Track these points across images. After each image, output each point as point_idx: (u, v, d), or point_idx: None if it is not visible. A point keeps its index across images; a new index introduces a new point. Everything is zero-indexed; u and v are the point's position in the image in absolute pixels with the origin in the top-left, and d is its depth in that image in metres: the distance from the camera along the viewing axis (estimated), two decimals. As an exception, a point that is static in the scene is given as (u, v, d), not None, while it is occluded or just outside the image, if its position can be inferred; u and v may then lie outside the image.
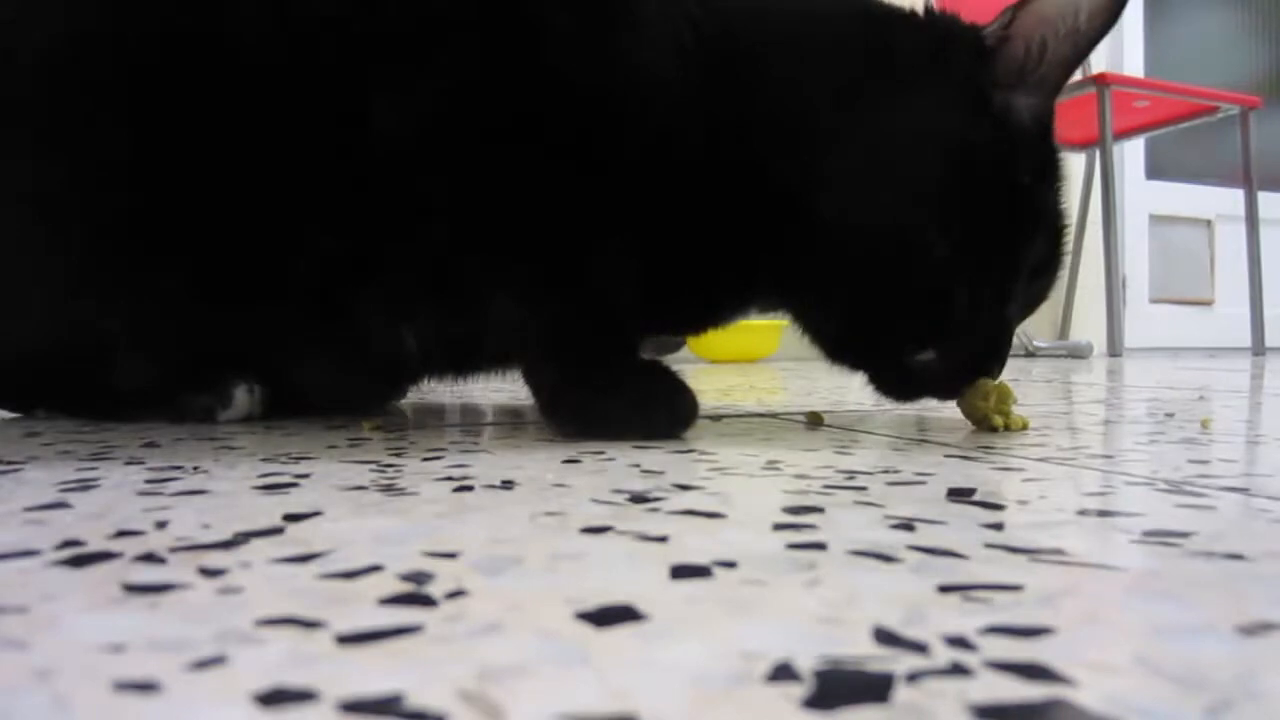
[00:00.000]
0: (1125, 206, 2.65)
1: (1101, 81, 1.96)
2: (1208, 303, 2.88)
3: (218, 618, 0.18)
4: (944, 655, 0.16)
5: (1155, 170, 2.79)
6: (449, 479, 0.36)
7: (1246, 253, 2.24)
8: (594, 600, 0.19)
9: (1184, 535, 0.25)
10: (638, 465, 0.39)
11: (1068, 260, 2.34)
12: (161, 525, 0.27)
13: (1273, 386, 0.97)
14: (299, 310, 0.54)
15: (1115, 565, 0.22)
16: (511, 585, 0.20)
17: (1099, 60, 2.50)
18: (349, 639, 0.17)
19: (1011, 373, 1.00)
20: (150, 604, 0.19)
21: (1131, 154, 2.73)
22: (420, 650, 0.16)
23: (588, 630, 0.17)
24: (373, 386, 0.65)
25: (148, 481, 0.35)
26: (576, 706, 0.14)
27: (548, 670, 0.15)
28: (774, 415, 0.65)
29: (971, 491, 0.33)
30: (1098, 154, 2.06)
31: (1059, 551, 0.23)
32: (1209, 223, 2.87)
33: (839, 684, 0.15)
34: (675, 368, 0.51)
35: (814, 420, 0.60)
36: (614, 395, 0.49)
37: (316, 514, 0.29)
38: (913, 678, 0.15)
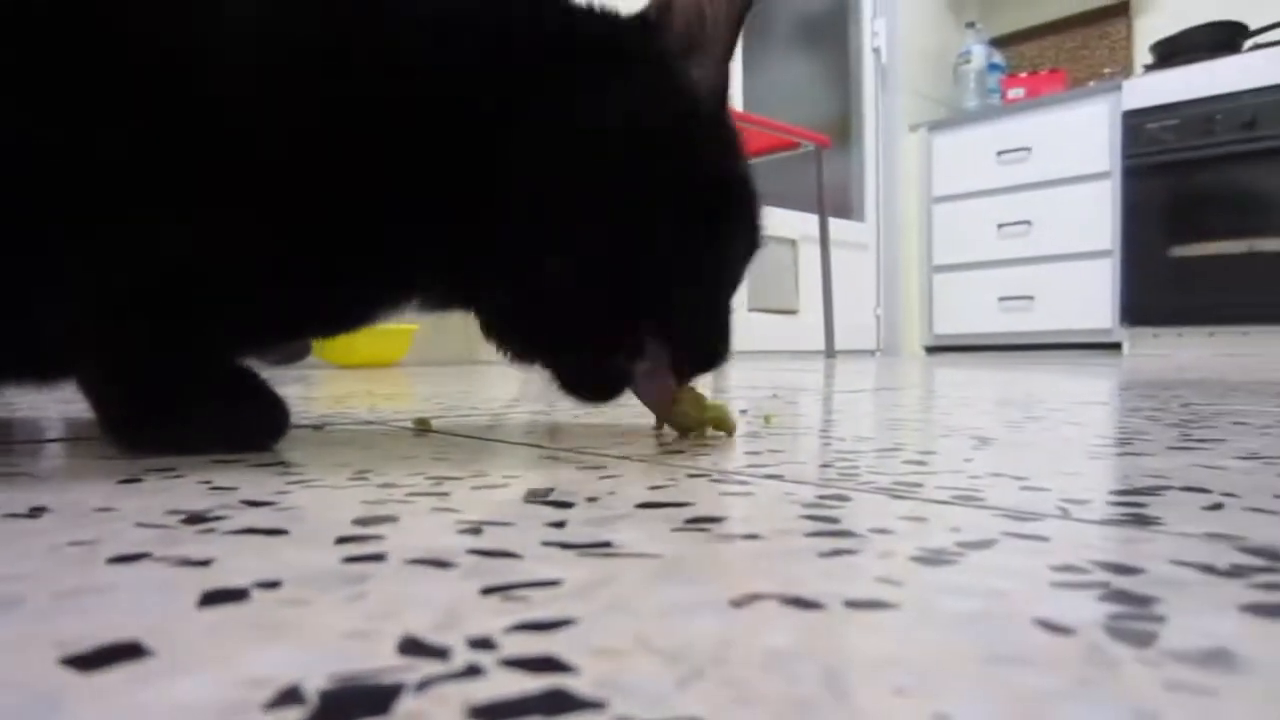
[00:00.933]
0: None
1: (704, 111, 2.16)
2: (793, 311, 3.28)
3: None
4: (464, 658, 0.16)
5: (751, 194, 3.12)
6: (-39, 511, 0.30)
7: (821, 269, 2.58)
8: (94, 640, 0.17)
9: (717, 520, 0.28)
10: (209, 482, 0.36)
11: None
12: None
13: (833, 386, 1.13)
14: None
15: (653, 553, 0.24)
16: (-6, 632, 0.18)
17: (704, 91, 2.75)
18: None
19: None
20: None
21: (732, 178, 3.03)
22: None
23: (71, 676, 0.15)
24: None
25: None
26: (20, 766, 0.12)
27: (1, 728, 0.13)
28: (383, 423, 0.63)
29: (549, 491, 0.34)
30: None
31: (608, 544, 0.25)
32: (794, 242, 3.27)
33: (343, 702, 0.14)
34: (298, 373, 0.48)
35: (422, 427, 0.59)
36: (190, 406, 0.45)
37: None
38: (423, 685, 0.15)
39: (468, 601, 0.20)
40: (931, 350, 3.67)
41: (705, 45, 0.48)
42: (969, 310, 3.53)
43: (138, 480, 0.37)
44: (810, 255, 3.12)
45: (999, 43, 3.88)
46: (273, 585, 0.21)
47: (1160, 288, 2.98)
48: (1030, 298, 3.34)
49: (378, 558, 0.24)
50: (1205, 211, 2.88)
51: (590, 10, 0.49)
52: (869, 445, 0.48)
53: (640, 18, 0.49)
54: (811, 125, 2.62)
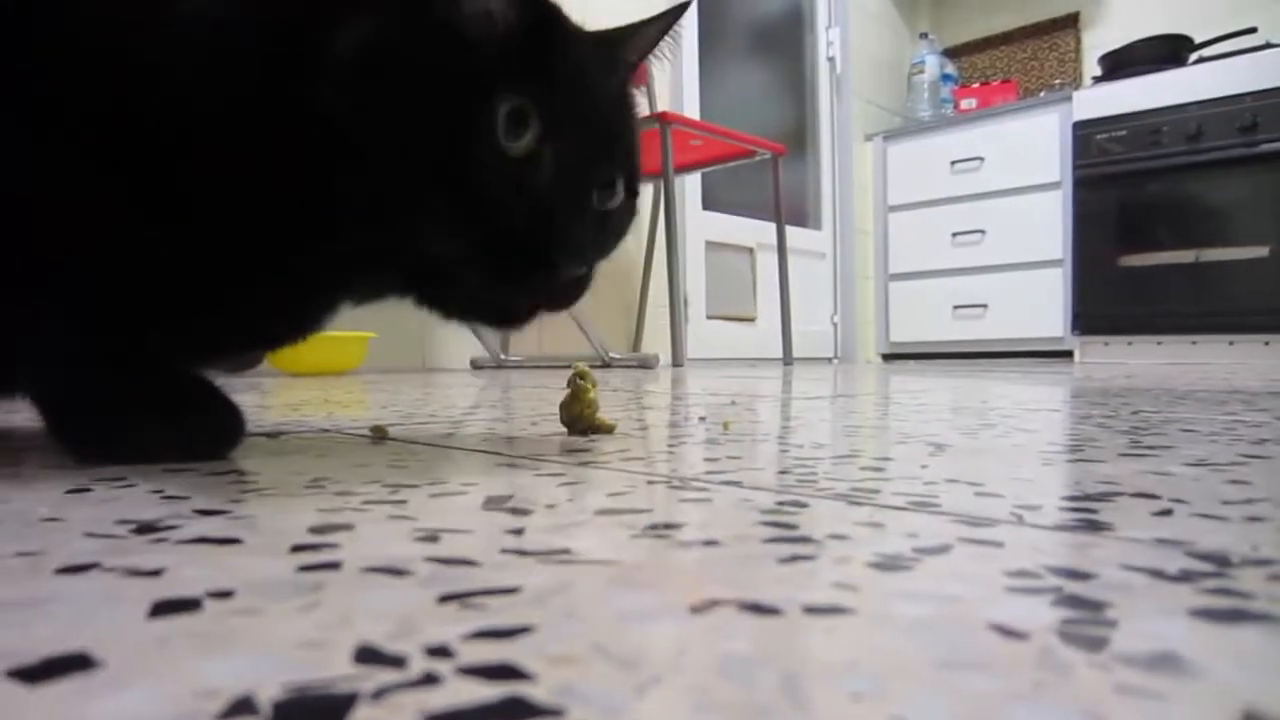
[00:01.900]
0: (686, 233, 2.96)
1: (664, 120, 2.17)
2: (751, 319, 3.30)
3: None
4: (420, 666, 0.16)
5: (709, 202, 3.14)
6: (-102, 521, 0.29)
7: (778, 277, 2.60)
8: (41, 652, 0.17)
9: (676, 527, 0.28)
10: (160, 491, 0.35)
11: (638, 274, 2.51)
12: None
13: (791, 393, 1.14)
14: None
15: (611, 560, 0.24)
16: (-67, 646, 0.17)
17: (662, 100, 2.77)
18: None
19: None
20: None
21: (691, 186, 3.05)
22: None
23: (18, 689, 0.15)
24: None
25: None
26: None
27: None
28: (339, 431, 0.62)
29: (508, 498, 0.34)
30: (662, 185, 2.28)
31: (566, 551, 0.25)
32: (751, 250, 3.29)
33: (297, 712, 0.14)
34: (252, 381, 0.47)
35: (379, 434, 0.59)
36: (143, 414, 0.44)
37: None
38: (379, 694, 0.15)
39: (424, 610, 0.19)
40: (888, 358, 3.72)
41: None
42: (924, 318, 3.57)
43: (87, 489, 0.36)
44: (768, 263, 3.14)
45: (951, 53, 3.95)
46: (225, 595, 0.21)
47: (1110, 297, 3.04)
48: (984, 306, 3.39)
49: (333, 566, 0.23)
50: (1154, 222, 2.95)
51: None
52: (826, 452, 0.48)
53: None
54: (767, 134, 2.64)
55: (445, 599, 0.20)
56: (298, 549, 0.25)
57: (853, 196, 3.68)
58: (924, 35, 3.83)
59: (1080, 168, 3.07)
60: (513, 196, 0.42)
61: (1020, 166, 3.29)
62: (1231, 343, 2.82)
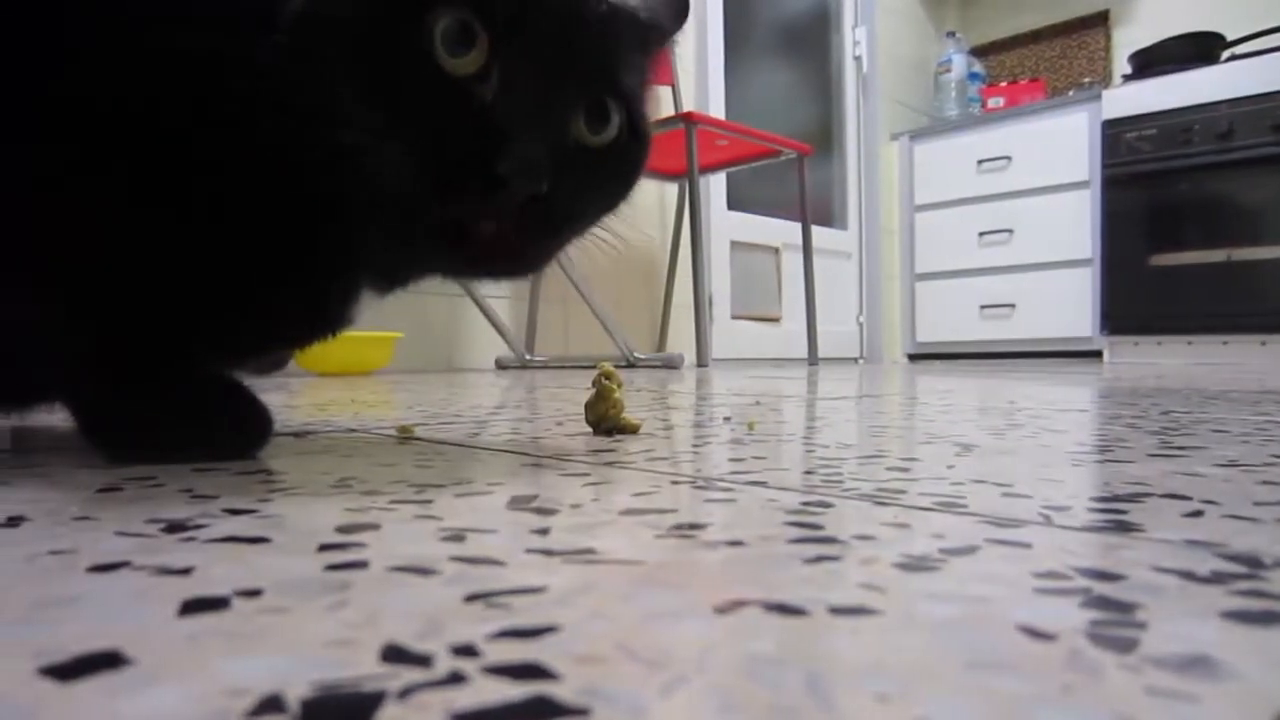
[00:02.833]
0: (711, 233, 2.95)
1: (689, 120, 2.17)
2: (776, 319, 3.29)
3: None
4: (446, 666, 0.16)
5: (734, 202, 3.14)
6: (-64, 520, 0.30)
7: (804, 277, 2.59)
8: (73, 650, 0.17)
9: (701, 527, 0.28)
10: (190, 490, 0.36)
11: (663, 274, 2.51)
12: None
13: (816, 393, 1.13)
14: None
15: (636, 560, 0.24)
16: (-31, 642, 0.17)
17: (688, 100, 2.77)
18: None
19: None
20: None
21: (716, 186, 3.05)
22: None
23: (49, 686, 0.15)
24: None
25: None
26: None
27: (-24, 739, 0.13)
28: (365, 431, 0.63)
29: (534, 498, 0.34)
30: (687, 185, 2.28)
31: (591, 551, 0.25)
32: (777, 250, 3.28)
33: (325, 710, 0.14)
34: (279, 381, 0.47)
35: (405, 434, 0.59)
36: (170, 413, 0.44)
37: None
38: (406, 693, 0.15)
39: (450, 609, 0.20)
40: (914, 358, 3.69)
41: None
42: (951, 318, 3.55)
43: (117, 489, 0.36)
44: (793, 263, 3.13)
45: (979, 52, 3.92)
46: (254, 594, 0.21)
47: (1140, 296, 3.00)
48: (1011, 306, 3.36)
49: (360, 565, 0.23)
50: (1184, 221, 2.91)
51: None
52: (852, 452, 0.48)
53: None
54: (793, 133, 2.64)
55: (471, 598, 0.20)
56: (325, 548, 0.25)
57: (879, 196, 3.66)
58: (951, 34, 3.80)
59: (1109, 167, 3.04)
60: (456, 116, 0.41)
61: (1048, 166, 3.26)
62: (1264, 343, 2.78)
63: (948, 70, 3.73)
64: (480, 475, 0.40)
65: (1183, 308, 2.92)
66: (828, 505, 0.32)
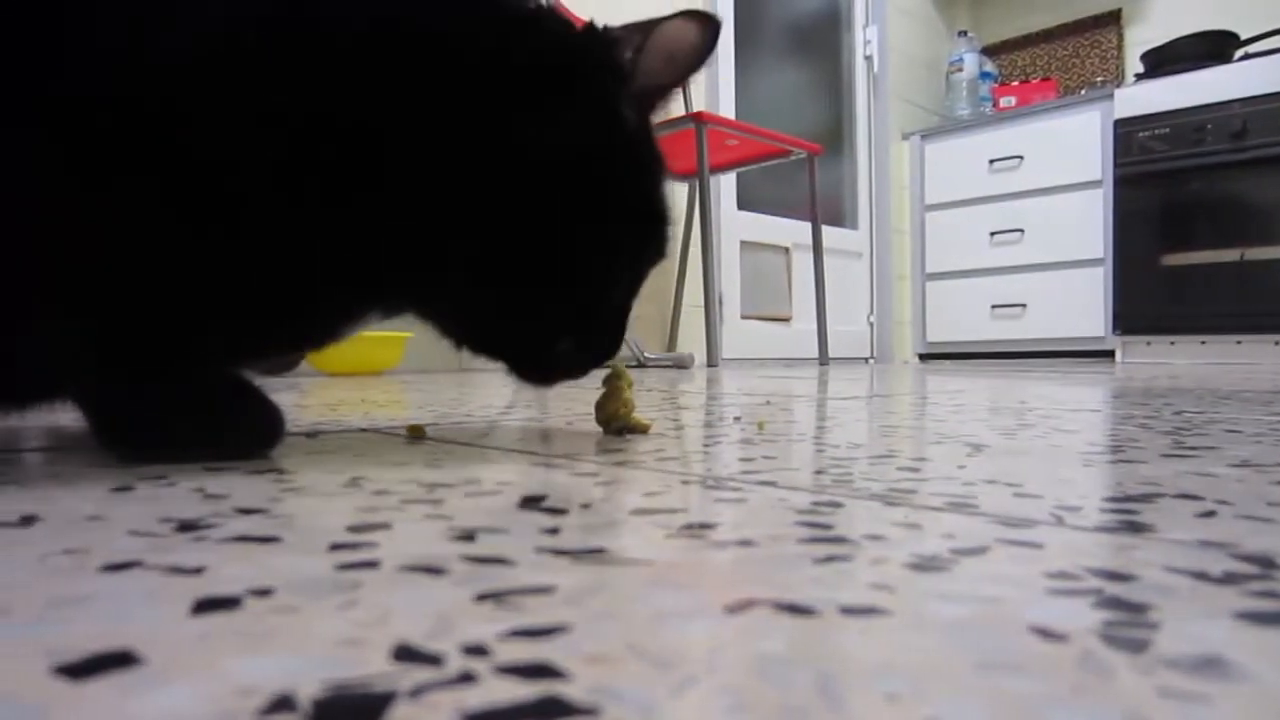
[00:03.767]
0: (721, 233, 2.95)
1: (699, 119, 2.17)
2: (786, 319, 3.29)
3: None
4: (457, 665, 0.16)
5: (745, 202, 3.13)
6: (-49, 519, 0.30)
7: (814, 277, 2.59)
8: (85, 649, 0.17)
9: (712, 527, 0.28)
10: (201, 489, 0.36)
11: (673, 274, 2.52)
12: None
13: (826, 393, 1.13)
14: None
15: (646, 559, 0.24)
16: (-16, 640, 0.18)
17: (697, 100, 2.76)
18: None
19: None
20: None
21: (726, 186, 3.04)
22: None
23: (61, 685, 0.15)
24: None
25: None
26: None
27: (-10, 737, 0.13)
28: (376, 430, 0.63)
29: (544, 498, 0.34)
30: (698, 185, 2.27)
31: (602, 551, 0.25)
32: (787, 250, 3.28)
33: (336, 710, 0.14)
34: (290, 381, 0.48)
35: (415, 434, 0.59)
36: (183, 412, 0.45)
37: None
38: (417, 692, 0.15)
39: (461, 608, 0.20)
40: (925, 358, 3.68)
41: (657, 85, 0.52)
42: (962, 318, 3.53)
43: (129, 488, 0.36)
44: (803, 262, 3.13)
45: (990, 51, 3.90)
46: (265, 593, 0.21)
47: (1152, 296, 2.99)
48: (1023, 305, 3.35)
49: (371, 565, 0.24)
50: (1197, 220, 2.89)
51: (539, 24, 0.50)
52: (862, 452, 0.48)
53: (613, 59, 0.50)
54: (804, 133, 2.63)
55: (482, 598, 0.20)
56: (336, 547, 0.26)
57: (889, 196, 3.65)
58: (963, 33, 3.78)
59: (1122, 166, 3.02)
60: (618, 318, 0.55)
61: (1060, 165, 3.24)
62: (1278, 342, 2.76)
63: (959, 69, 3.71)
64: (490, 475, 0.40)
65: (1196, 307, 2.90)
66: (838, 505, 0.32)
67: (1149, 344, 3.02)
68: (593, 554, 0.25)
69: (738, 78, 3.08)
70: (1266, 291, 2.77)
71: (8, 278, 0.39)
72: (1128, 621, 0.18)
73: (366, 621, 0.19)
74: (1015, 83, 3.75)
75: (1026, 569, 0.23)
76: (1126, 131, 3.01)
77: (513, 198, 0.47)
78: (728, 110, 3.00)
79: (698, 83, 2.87)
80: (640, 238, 0.54)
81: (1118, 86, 3.13)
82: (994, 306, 3.43)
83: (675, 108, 2.51)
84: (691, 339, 2.74)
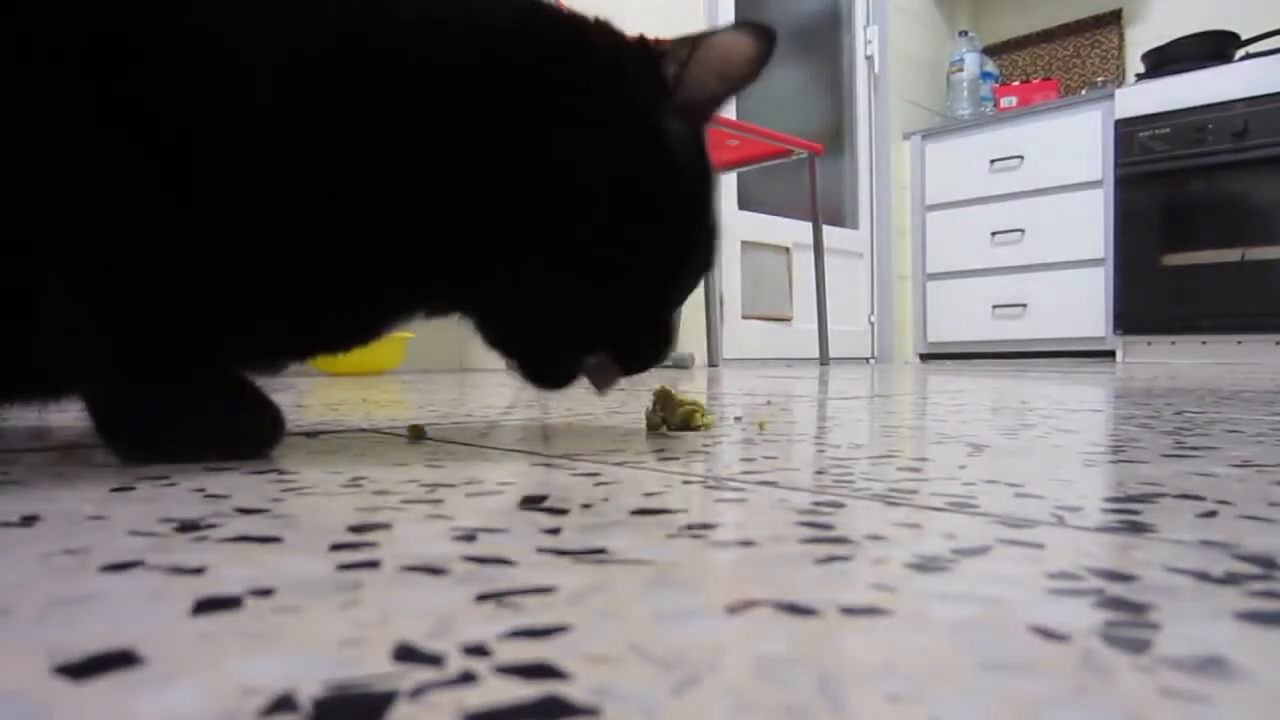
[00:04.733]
0: (722, 233, 2.94)
1: (699, 118, 2.17)
2: (787, 319, 3.29)
3: None
4: (458, 665, 0.16)
5: (745, 202, 3.13)
6: (-48, 519, 0.30)
7: (815, 277, 2.59)
8: (86, 649, 0.17)
9: (713, 527, 0.28)
10: (202, 490, 0.36)
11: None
12: None
13: (827, 393, 1.13)
14: None
15: (647, 560, 0.24)
16: (-15, 640, 0.18)
17: (698, 99, 2.76)
18: None
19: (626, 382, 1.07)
20: None
21: (727, 186, 3.04)
22: None
23: (62, 685, 0.15)
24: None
25: None
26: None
27: (-9, 737, 0.13)
28: (376, 430, 0.63)
29: (545, 498, 0.34)
30: (697, 184, 2.27)
31: (603, 551, 0.25)
32: (788, 250, 3.28)
33: (336, 710, 0.14)
34: (290, 380, 0.48)
35: (416, 434, 0.59)
36: (183, 412, 0.45)
37: None
38: (417, 692, 0.15)
39: (462, 608, 0.20)
40: (925, 358, 3.68)
41: (708, 96, 0.52)
42: (963, 318, 3.53)
43: (130, 488, 0.36)
44: (804, 262, 3.12)
45: (991, 51, 3.90)
46: (266, 593, 0.21)
47: (1153, 296, 2.99)
48: (1023, 305, 3.35)
49: (371, 565, 0.24)
50: (1198, 220, 2.89)
51: (586, 39, 0.50)
52: (863, 452, 0.48)
53: (657, 72, 0.50)
54: (804, 133, 2.63)
55: (482, 598, 0.20)
56: (337, 547, 0.26)
57: (890, 196, 3.65)
58: (963, 33, 3.78)
59: (1123, 166, 3.02)
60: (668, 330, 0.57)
61: (1061, 165, 3.24)
62: (1279, 342, 2.76)
63: (960, 69, 3.71)
64: (491, 475, 0.40)
65: (1197, 307, 2.90)
66: (839, 505, 0.32)
67: (1150, 344, 3.02)
68: (593, 554, 0.25)
69: (738, 77, 3.07)
70: (1267, 291, 2.76)
71: (19, 271, 0.39)
72: (1129, 622, 0.18)
73: (367, 621, 0.19)
74: (1016, 83, 3.75)
75: (1027, 569, 0.23)
76: (1127, 131, 3.01)
77: (548, 210, 0.48)
78: (728, 110, 2.99)
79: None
80: (682, 248, 0.53)
81: (1118, 86, 3.13)
82: (995, 306, 3.43)
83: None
84: (692, 339, 2.73)
